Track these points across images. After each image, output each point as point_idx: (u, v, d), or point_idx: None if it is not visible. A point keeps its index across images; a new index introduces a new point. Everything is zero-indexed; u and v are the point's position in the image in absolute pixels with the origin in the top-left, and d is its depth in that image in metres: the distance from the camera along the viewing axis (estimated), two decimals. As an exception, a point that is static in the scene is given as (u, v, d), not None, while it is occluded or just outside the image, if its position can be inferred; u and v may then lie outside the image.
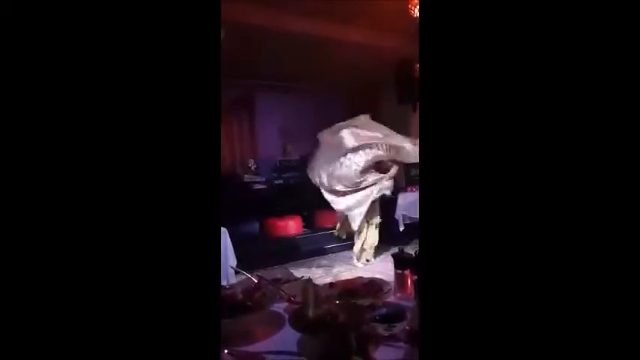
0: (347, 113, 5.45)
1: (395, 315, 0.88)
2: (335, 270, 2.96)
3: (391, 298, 1.05)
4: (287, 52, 3.77)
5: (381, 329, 0.81)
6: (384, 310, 0.82)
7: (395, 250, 1.19)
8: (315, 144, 4.13)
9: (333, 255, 3.52)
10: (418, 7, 2.73)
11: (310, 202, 3.68)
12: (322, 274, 2.86)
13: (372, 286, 1.11)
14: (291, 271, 2.65)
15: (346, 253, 3.47)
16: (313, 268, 3.06)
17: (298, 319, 0.80)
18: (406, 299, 1.01)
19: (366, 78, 5.00)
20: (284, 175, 3.93)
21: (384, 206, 3.52)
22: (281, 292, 0.95)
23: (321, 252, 3.50)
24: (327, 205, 3.64)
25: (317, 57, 3.97)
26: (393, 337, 0.78)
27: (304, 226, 3.71)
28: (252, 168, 3.80)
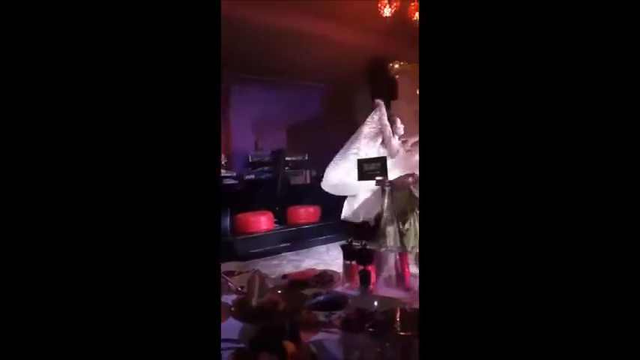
0: (323, 110, 5.47)
1: (336, 303, 0.91)
2: (304, 264, 2.98)
3: (339, 288, 1.09)
4: (264, 45, 3.75)
5: (321, 316, 0.84)
6: (321, 298, 0.85)
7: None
8: (290, 139, 4.09)
9: (305, 250, 3.54)
10: (389, 6, 2.78)
11: (282, 198, 3.69)
12: (292, 268, 2.88)
13: (323, 277, 1.14)
14: (262, 266, 2.66)
15: (317, 248, 3.50)
16: (284, 263, 3.08)
17: (241, 309, 0.83)
18: (352, 289, 1.05)
19: (343, 75, 5.02)
20: (255, 170, 3.92)
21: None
22: (229, 283, 0.97)
23: (293, 247, 3.52)
24: (298, 201, 3.63)
25: (294, 52, 3.97)
26: (330, 324, 0.82)
27: (276, 222, 3.71)
28: (223, 162, 3.77)
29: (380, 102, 2.55)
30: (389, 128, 2.33)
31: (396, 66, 4.62)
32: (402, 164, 2.12)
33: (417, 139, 2.43)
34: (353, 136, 2.45)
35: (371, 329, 0.64)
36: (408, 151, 2.41)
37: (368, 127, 2.40)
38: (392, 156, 2.10)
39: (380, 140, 2.39)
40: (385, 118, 2.43)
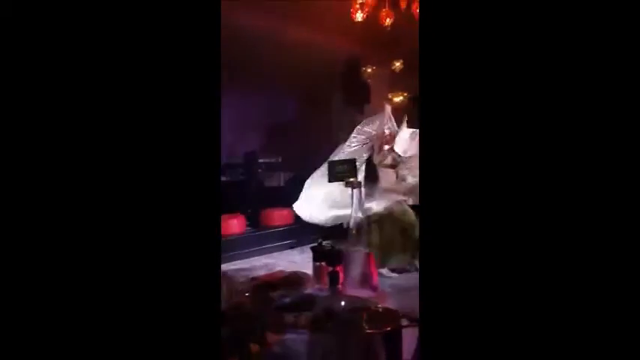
0: (297, 112, 5.47)
1: (304, 304, 0.92)
2: (276, 267, 2.97)
3: (309, 289, 1.10)
4: (238, 48, 3.72)
5: (288, 317, 0.85)
6: (289, 300, 0.86)
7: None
8: (264, 141, 4.05)
9: (278, 253, 3.52)
10: (361, 11, 2.82)
11: (255, 201, 3.66)
12: (265, 271, 2.86)
13: (292, 278, 1.14)
14: (233, 269, 2.62)
15: (290, 251, 3.49)
16: (256, 266, 3.05)
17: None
18: (321, 290, 1.06)
19: (317, 78, 5.05)
20: (228, 172, 3.88)
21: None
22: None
23: (266, 250, 3.49)
24: (272, 203, 3.60)
25: (268, 54, 3.96)
26: (297, 325, 0.82)
27: (248, 225, 3.68)
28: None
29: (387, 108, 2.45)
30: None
31: (369, 70, 4.70)
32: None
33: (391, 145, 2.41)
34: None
35: (336, 328, 0.65)
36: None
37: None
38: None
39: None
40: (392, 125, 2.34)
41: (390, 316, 0.63)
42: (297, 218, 4.06)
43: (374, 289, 1.03)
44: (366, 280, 1.07)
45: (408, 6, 2.76)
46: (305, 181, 3.12)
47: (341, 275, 1.04)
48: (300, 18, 3.63)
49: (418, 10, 2.70)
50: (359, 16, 2.78)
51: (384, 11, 2.83)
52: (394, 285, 2.87)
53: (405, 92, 5.07)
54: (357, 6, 2.72)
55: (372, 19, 2.87)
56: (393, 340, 0.58)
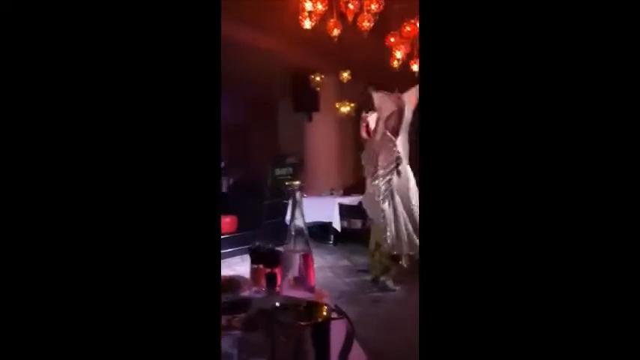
0: (243, 117, 5.40)
1: (238, 306, 0.90)
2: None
3: (246, 293, 1.07)
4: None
5: (222, 320, 0.82)
6: (224, 302, 0.84)
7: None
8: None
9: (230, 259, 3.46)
10: (309, 19, 2.87)
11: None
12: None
13: (230, 282, 1.11)
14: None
15: (232, 259, 3.42)
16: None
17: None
18: (258, 292, 1.04)
19: (266, 83, 5.03)
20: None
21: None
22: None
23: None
24: (225, 210, 3.52)
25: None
26: (230, 327, 0.80)
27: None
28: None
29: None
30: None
31: (317, 78, 4.78)
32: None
33: None
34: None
35: (267, 324, 0.64)
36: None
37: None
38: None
39: None
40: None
41: (319, 309, 0.63)
42: (241, 225, 3.99)
43: (311, 290, 1.03)
44: (303, 281, 1.07)
45: (355, 19, 2.85)
46: (250, 186, 3.12)
47: (278, 277, 1.03)
48: (251, 23, 3.61)
49: (364, 24, 2.80)
50: (307, 24, 2.82)
51: (331, 22, 2.90)
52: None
53: (351, 102, 5.23)
54: (306, 14, 2.76)
55: (322, 29, 2.93)
56: (322, 333, 0.58)
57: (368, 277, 3.10)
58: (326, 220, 4.13)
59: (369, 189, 2.87)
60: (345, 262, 3.75)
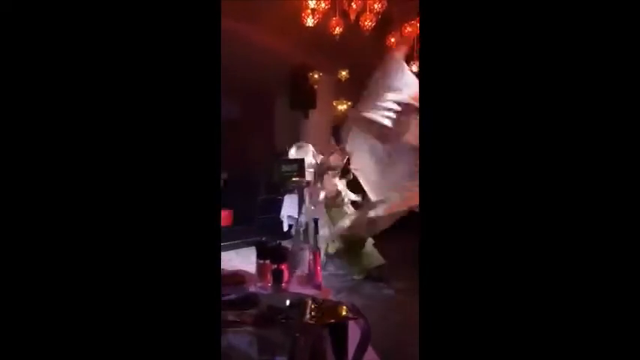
0: (239, 113, 5.36)
1: (247, 302, 0.90)
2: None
3: (251, 288, 1.07)
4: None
5: (231, 316, 0.82)
6: (231, 298, 0.83)
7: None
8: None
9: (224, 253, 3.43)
10: (312, 16, 2.86)
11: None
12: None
13: (234, 277, 1.11)
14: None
15: (227, 253, 3.40)
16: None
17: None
18: (265, 288, 1.04)
19: (263, 79, 5.00)
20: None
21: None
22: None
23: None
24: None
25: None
26: (241, 323, 0.80)
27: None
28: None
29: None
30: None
31: (315, 76, 4.77)
32: None
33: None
34: None
35: (282, 321, 0.65)
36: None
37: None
38: None
39: None
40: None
41: (337, 308, 0.64)
42: (237, 219, 3.97)
43: (318, 287, 1.04)
44: (310, 278, 1.08)
45: (357, 18, 2.86)
46: (246, 182, 3.08)
47: (285, 273, 1.04)
48: (251, 19, 3.58)
49: (366, 22, 2.81)
50: (310, 21, 2.82)
51: (334, 20, 2.89)
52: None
53: (349, 101, 5.23)
54: (309, 11, 2.75)
55: (323, 27, 2.92)
56: (340, 332, 0.59)
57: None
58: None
59: None
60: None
